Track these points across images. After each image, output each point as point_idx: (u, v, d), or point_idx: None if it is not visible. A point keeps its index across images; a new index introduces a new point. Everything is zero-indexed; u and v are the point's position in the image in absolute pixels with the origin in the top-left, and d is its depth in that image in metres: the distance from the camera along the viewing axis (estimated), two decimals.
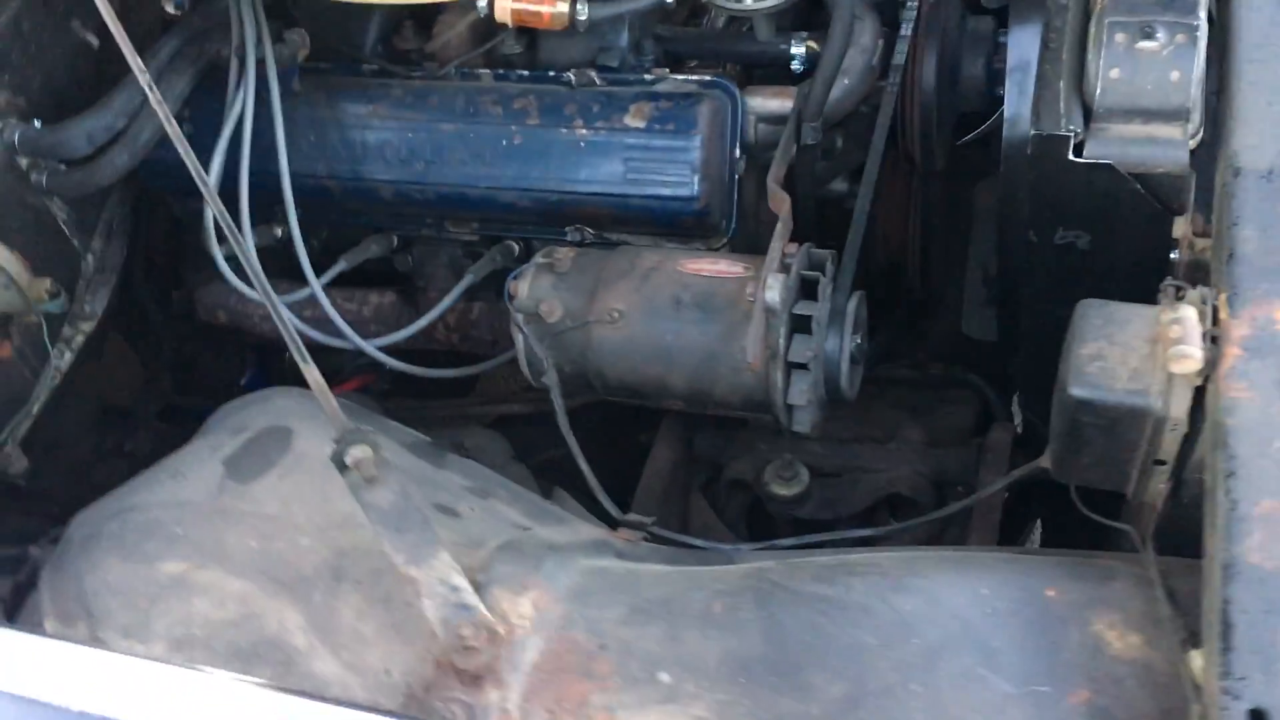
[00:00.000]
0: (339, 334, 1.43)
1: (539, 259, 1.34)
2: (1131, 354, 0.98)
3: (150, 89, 0.99)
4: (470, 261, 1.56)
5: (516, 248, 1.54)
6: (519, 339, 1.33)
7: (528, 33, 1.45)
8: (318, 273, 1.46)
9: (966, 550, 1.07)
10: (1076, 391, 0.97)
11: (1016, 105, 1.30)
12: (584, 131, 1.39)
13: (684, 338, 1.26)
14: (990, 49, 1.57)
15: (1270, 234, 0.98)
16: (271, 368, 1.96)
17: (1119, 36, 1.04)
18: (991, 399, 1.58)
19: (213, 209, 1.05)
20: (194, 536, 0.98)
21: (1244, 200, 1.00)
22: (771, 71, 1.52)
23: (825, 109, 1.40)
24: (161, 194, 1.65)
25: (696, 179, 1.36)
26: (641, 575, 0.92)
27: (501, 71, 1.46)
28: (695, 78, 1.41)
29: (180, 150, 0.93)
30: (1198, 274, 1.06)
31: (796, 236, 1.59)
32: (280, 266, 1.45)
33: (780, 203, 1.29)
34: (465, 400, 1.67)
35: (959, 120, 1.62)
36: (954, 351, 1.70)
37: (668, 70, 1.44)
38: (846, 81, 1.42)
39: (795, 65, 1.49)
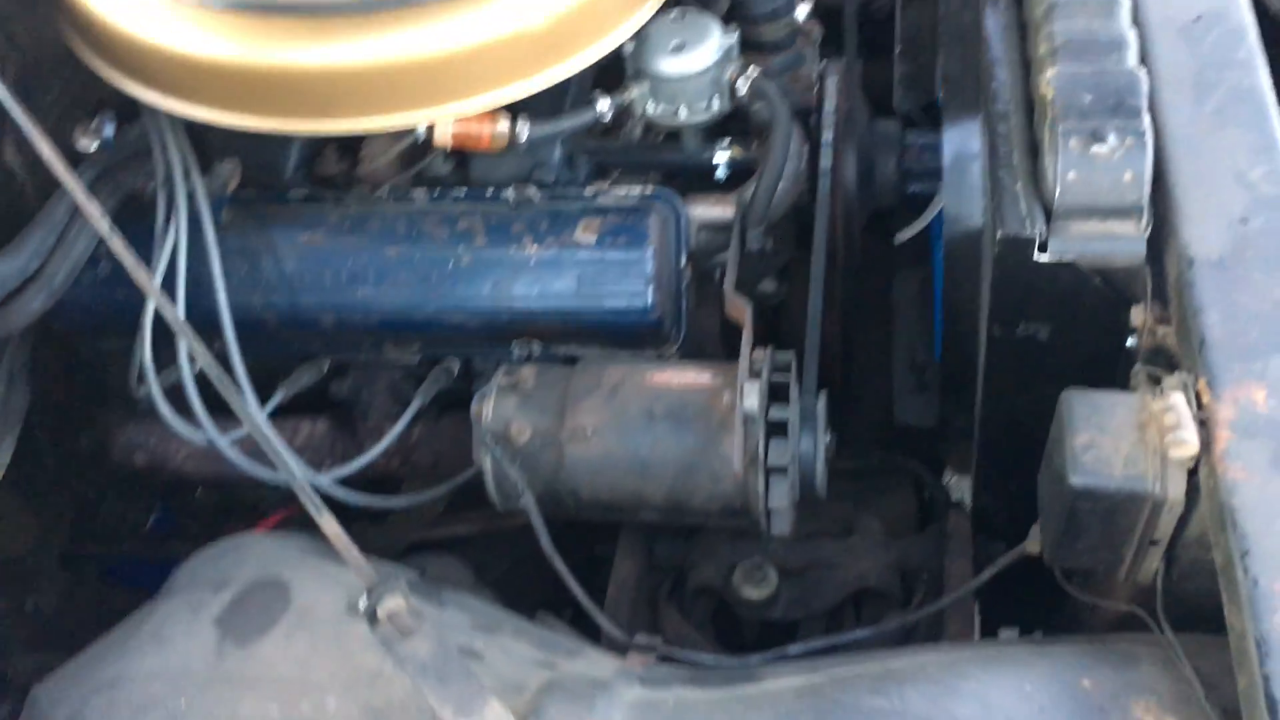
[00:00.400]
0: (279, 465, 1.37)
1: (501, 380, 1.33)
2: (1123, 441, 1.02)
3: (112, 233, 0.96)
4: (410, 384, 1.53)
5: (456, 367, 1.51)
6: (487, 462, 1.30)
7: (458, 152, 1.45)
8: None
9: (994, 645, 1.09)
10: (1076, 481, 1.01)
11: (956, 203, 1.36)
12: (534, 249, 1.38)
13: (660, 450, 1.26)
14: (899, 149, 1.64)
15: (1232, 318, 1.04)
16: (179, 508, 1.86)
17: (1073, 141, 1.10)
18: (930, 484, 1.63)
19: (187, 344, 1.01)
20: (202, 709, 0.91)
21: (1203, 289, 1.06)
22: (691, 179, 1.56)
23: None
24: (68, 335, 1.57)
25: (651, 290, 1.37)
26: (692, 705, 0.91)
27: (437, 192, 1.45)
28: (636, 190, 1.43)
29: (146, 290, 0.91)
30: (1158, 358, 1.12)
31: (732, 338, 1.63)
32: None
33: (741, 310, 1.31)
34: (410, 525, 1.62)
35: (870, 217, 1.69)
36: (879, 439, 1.74)
37: (606, 184, 1.46)
38: (781, 186, 1.46)
39: (720, 173, 1.52)
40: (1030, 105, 1.21)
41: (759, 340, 1.37)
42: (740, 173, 1.54)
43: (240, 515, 1.76)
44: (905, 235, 1.51)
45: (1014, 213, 1.13)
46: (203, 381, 1.39)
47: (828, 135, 1.53)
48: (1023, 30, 1.28)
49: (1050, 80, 1.15)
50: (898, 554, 1.44)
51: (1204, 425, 0.99)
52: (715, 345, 1.56)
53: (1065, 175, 1.11)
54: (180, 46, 1.28)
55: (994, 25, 1.32)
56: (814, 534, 1.48)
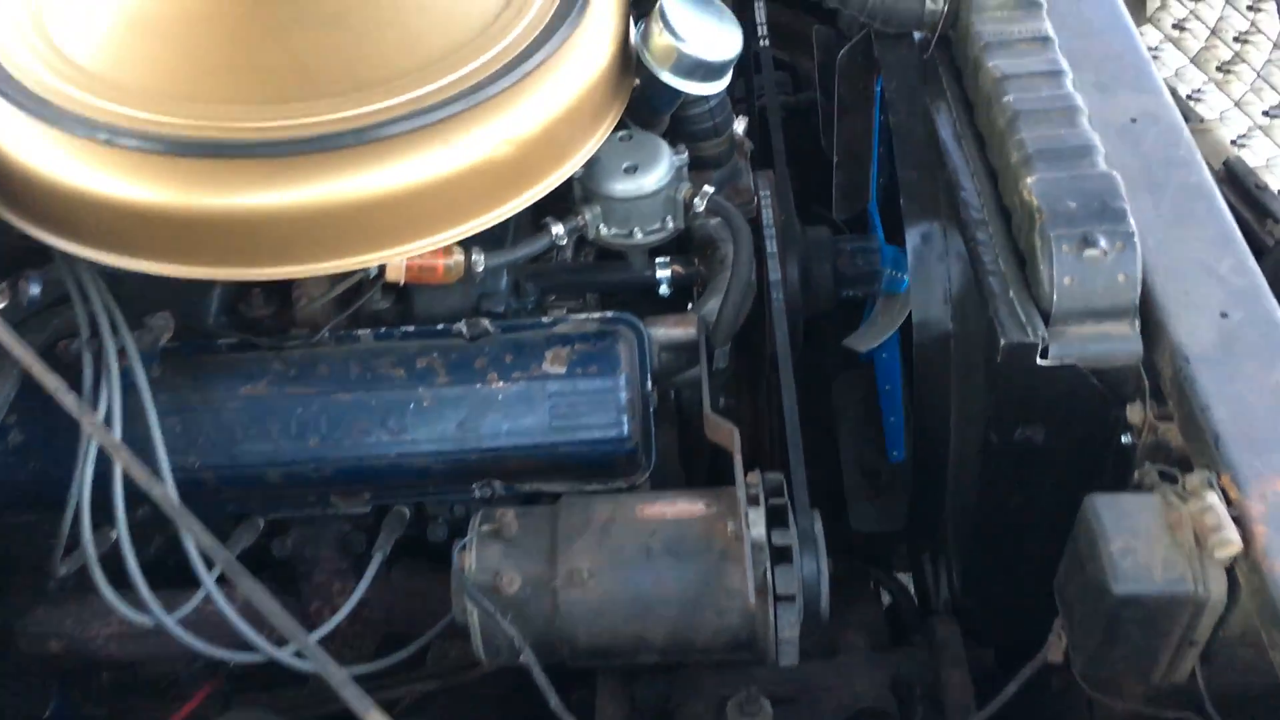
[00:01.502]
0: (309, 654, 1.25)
1: (481, 527, 1.24)
2: (1157, 544, 1.02)
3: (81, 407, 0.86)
4: (359, 535, 1.42)
5: (408, 512, 1.42)
6: (474, 616, 1.21)
7: (397, 285, 1.38)
8: (155, 575, 1.26)
9: None
10: (1119, 589, 1.00)
11: (924, 308, 1.36)
12: (500, 384, 1.31)
13: (662, 587, 1.20)
14: (833, 256, 1.65)
15: (1240, 412, 1.06)
16: (77, 695, 1.68)
17: (1065, 247, 1.12)
18: (896, 590, 1.61)
19: (186, 533, 0.90)
20: None
21: (1205, 384, 1.08)
22: (633, 296, 1.53)
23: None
24: None
25: (626, 419, 1.32)
26: None
27: (383, 330, 1.37)
28: (596, 315, 1.38)
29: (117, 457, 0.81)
30: (1160, 454, 1.13)
31: (691, 458, 1.58)
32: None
33: (727, 433, 1.27)
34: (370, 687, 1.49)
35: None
36: (832, 548, 1.71)
37: (563, 310, 1.41)
38: (736, 300, 1.44)
39: (663, 290, 1.50)
40: (1006, 212, 1.22)
41: (702, 454, 1.33)
42: (682, 288, 1.51)
43: (146, 694, 1.60)
44: (869, 344, 1.50)
45: (1013, 320, 1.13)
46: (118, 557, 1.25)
47: (773, 247, 1.52)
48: (980, 140, 1.31)
49: (1031, 187, 1.16)
50: (889, 670, 1.40)
51: (1238, 522, 0.99)
52: (675, 467, 1.52)
53: (1061, 280, 1.12)
54: (107, 191, 1.18)
55: (949, 135, 1.34)
56: (803, 657, 1.43)
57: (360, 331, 1.37)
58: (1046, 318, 1.13)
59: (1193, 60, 1.44)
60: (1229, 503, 1.00)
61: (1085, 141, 1.20)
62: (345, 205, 1.16)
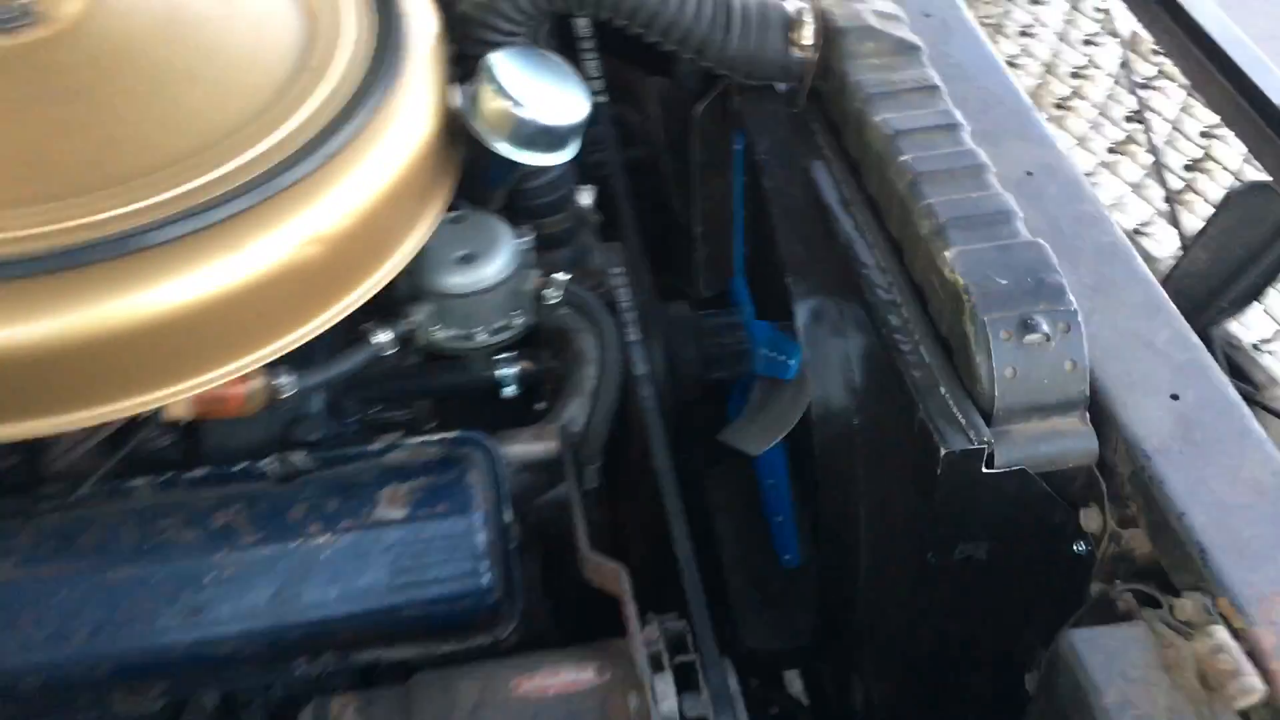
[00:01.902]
0: None
1: None
2: (1156, 691, 0.85)
3: None
4: None
5: (213, 702, 1.13)
6: None
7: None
8: None
9: None
10: None
11: (825, 399, 1.17)
12: (325, 539, 1.05)
13: None
14: (696, 335, 1.45)
15: (1220, 516, 0.91)
16: None
17: (1003, 333, 0.94)
18: (795, 713, 1.41)
19: None
20: None
21: (1174, 485, 0.93)
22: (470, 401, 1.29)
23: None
24: None
25: (486, 566, 1.08)
26: None
27: (167, 477, 1.09)
28: (436, 438, 1.14)
29: None
30: (1121, 565, 0.97)
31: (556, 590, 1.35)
32: None
33: (613, 575, 1.04)
34: None
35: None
36: None
37: (401, 432, 1.16)
38: (607, 407, 1.22)
39: (509, 390, 1.27)
40: (918, 290, 1.05)
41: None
42: (530, 387, 1.29)
43: None
44: (762, 445, 1.29)
45: (950, 424, 0.95)
46: None
47: (635, 335, 1.31)
48: (874, 206, 1.13)
49: (952, 263, 0.98)
50: None
51: (1250, 658, 0.83)
52: (540, 604, 1.28)
53: (1001, 373, 0.95)
54: None
55: (835, 201, 1.16)
56: None
57: (136, 482, 1.08)
58: (987, 417, 0.95)
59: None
60: (1235, 635, 0.84)
61: (1001, 206, 1.04)
62: (101, 338, 0.89)
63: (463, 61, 1.19)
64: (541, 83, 1.14)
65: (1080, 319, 0.96)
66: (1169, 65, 1.96)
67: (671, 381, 1.41)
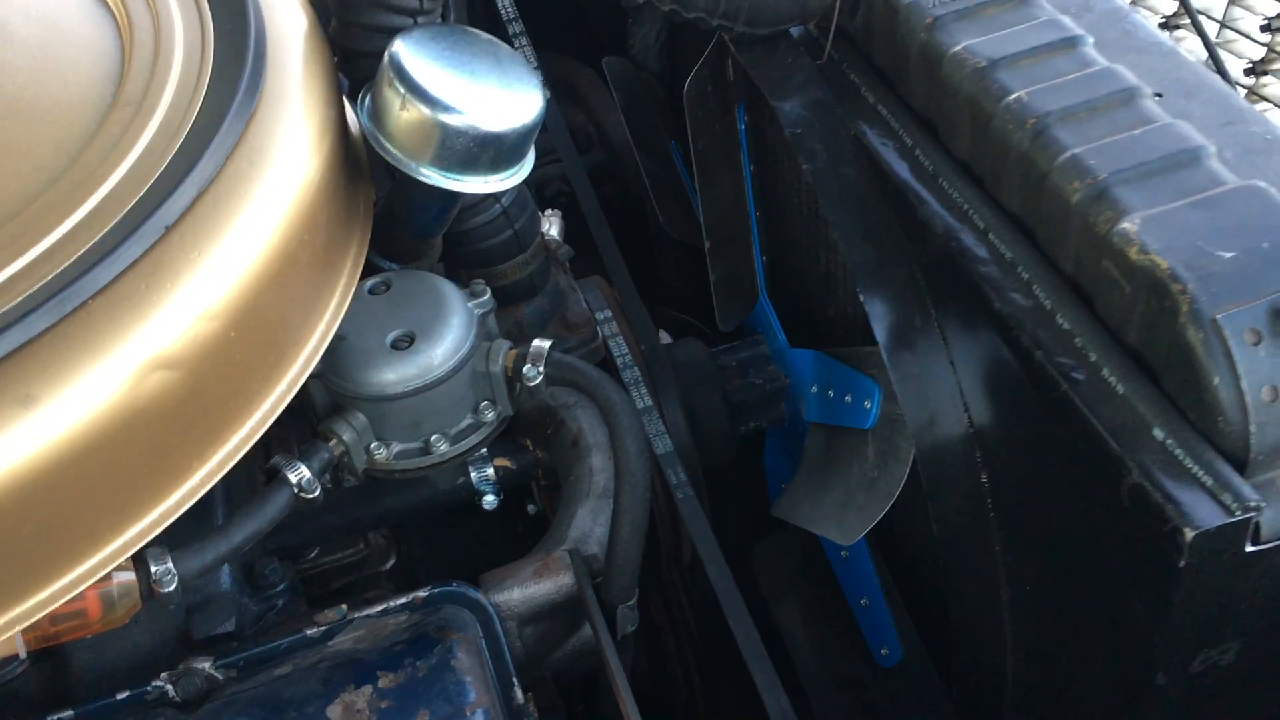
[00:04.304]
0: None
1: None
2: None
3: None
4: None
5: None
6: None
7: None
8: None
9: None
10: None
11: (936, 458, 0.83)
12: None
13: None
14: (719, 380, 1.11)
15: None
16: None
17: (1246, 334, 0.61)
18: None
19: None
20: None
21: None
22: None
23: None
24: None
25: None
26: None
27: None
28: (401, 600, 0.79)
29: None
30: None
31: None
32: None
33: None
34: None
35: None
36: None
37: (344, 606, 0.80)
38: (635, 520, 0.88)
39: (488, 502, 0.93)
40: (1073, 286, 0.71)
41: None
42: (514, 489, 0.96)
43: None
44: (852, 535, 0.94)
45: (1188, 487, 0.61)
46: None
47: (641, 398, 0.97)
48: (970, 174, 0.79)
49: (1139, 238, 0.65)
50: None
51: None
52: None
53: (1255, 395, 0.61)
54: None
55: (909, 175, 0.82)
56: None
57: None
58: (1240, 465, 0.62)
59: None
60: None
61: (1183, 140, 0.70)
62: None
63: (353, 62, 0.83)
64: (470, 74, 0.79)
65: None
66: None
67: (697, 447, 1.07)
